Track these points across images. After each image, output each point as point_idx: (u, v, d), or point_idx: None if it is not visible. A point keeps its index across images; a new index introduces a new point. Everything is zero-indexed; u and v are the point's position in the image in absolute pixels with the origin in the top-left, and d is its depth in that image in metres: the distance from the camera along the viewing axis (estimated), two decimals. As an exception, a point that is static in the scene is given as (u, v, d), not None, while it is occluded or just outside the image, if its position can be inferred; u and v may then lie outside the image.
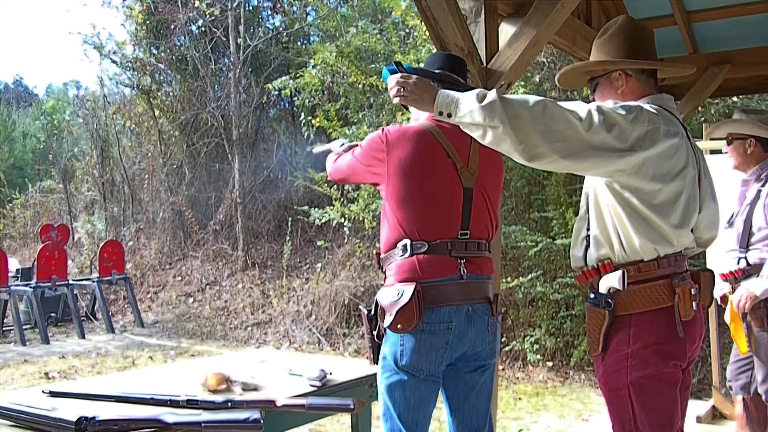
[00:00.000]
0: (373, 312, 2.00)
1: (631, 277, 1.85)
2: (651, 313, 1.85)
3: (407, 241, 1.96)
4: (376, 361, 2.03)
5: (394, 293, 1.92)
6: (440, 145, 2.01)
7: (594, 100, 2.01)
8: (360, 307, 2.19)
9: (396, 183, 1.98)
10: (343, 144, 2.26)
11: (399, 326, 1.90)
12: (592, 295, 1.92)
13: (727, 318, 3.11)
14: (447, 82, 2.05)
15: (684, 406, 1.99)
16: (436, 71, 2.10)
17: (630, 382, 1.86)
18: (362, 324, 2.06)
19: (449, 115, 1.76)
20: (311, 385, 2.07)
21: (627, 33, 1.96)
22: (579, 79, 2.10)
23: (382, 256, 2.05)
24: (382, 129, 2.05)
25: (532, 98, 1.70)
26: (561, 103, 1.72)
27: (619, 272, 1.85)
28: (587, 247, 1.95)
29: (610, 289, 1.87)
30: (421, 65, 2.26)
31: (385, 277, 2.05)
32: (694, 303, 1.89)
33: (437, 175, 1.99)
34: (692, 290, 1.89)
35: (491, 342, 2.05)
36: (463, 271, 1.97)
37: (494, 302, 2.06)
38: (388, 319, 1.92)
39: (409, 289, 1.90)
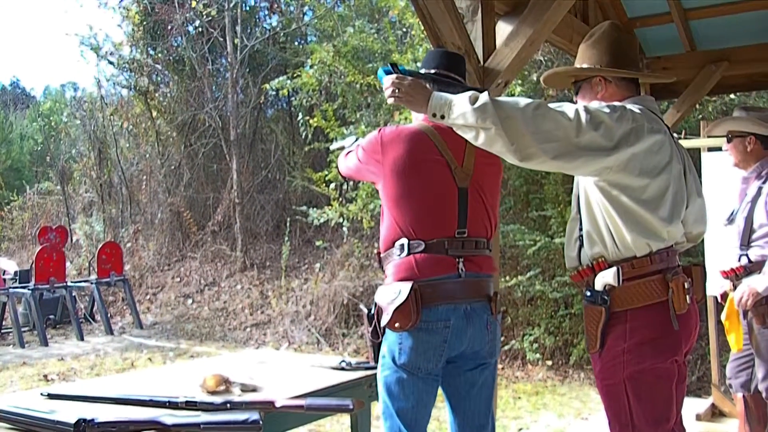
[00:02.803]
0: (372, 311, 2.02)
1: (625, 274, 1.88)
2: (646, 308, 1.89)
3: (405, 241, 1.98)
4: (376, 360, 2.05)
5: (392, 292, 1.93)
6: (434, 145, 2.02)
7: (576, 102, 2.07)
8: (360, 306, 2.25)
9: (391, 183, 2.00)
10: (356, 140, 2.28)
11: (397, 325, 1.91)
12: (588, 293, 1.95)
13: (723, 315, 3.12)
14: (443, 83, 2.06)
15: (680, 399, 2.02)
16: (432, 72, 2.11)
17: (626, 377, 1.90)
18: (361, 324, 2.09)
19: (442, 117, 1.80)
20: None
21: (610, 40, 2.03)
22: (564, 80, 2.19)
23: (381, 254, 2.08)
24: (379, 129, 2.07)
25: (523, 100, 1.74)
26: (550, 105, 1.76)
27: (614, 268, 1.89)
28: (581, 246, 1.99)
29: (605, 286, 1.90)
30: (419, 63, 2.27)
31: (385, 276, 2.06)
32: (687, 297, 1.94)
33: (431, 175, 2.00)
34: (685, 284, 1.93)
35: (491, 341, 2.06)
36: (461, 270, 1.98)
37: (494, 301, 2.06)
38: (385, 318, 1.93)
39: (406, 287, 1.90)
